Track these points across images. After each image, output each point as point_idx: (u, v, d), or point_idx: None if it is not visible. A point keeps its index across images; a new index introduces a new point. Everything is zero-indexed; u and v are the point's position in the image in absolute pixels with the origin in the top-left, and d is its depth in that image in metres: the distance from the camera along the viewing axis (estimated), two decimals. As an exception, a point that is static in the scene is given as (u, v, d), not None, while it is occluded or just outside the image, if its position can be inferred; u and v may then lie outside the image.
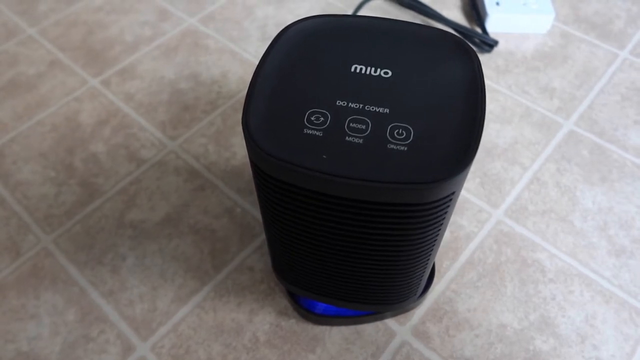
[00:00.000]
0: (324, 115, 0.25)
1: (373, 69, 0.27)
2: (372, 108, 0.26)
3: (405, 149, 0.24)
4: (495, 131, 0.51)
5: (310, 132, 0.24)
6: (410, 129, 0.25)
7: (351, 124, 0.25)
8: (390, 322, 0.40)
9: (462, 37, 0.29)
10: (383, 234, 0.27)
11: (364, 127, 0.25)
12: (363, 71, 0.27)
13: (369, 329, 0.40)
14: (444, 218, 0.27)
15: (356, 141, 0.24)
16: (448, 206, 0.26)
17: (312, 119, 0.25)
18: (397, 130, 0.25)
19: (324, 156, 0.24)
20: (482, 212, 0.46)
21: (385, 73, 0.27)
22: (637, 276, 0.42)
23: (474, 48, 0.58)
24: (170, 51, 0.59)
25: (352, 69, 0.27)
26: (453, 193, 0.25)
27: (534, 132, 0.51)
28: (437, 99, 0.26)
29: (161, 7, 0.64)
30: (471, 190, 0.47)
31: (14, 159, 0.50)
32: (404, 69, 0.27)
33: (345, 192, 0.24)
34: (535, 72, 0.56)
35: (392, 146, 0.24)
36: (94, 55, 0.59)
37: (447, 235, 0.44)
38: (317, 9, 0.63)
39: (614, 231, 0.44)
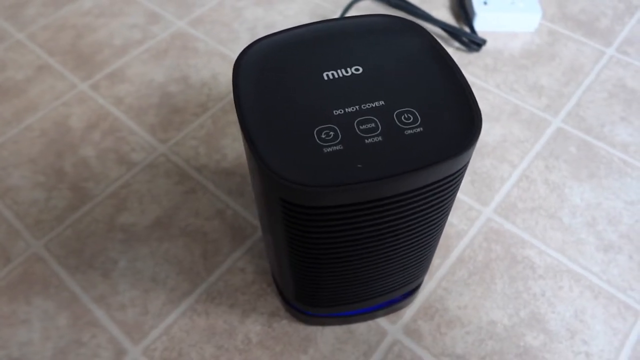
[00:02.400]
0: (331, 129, 0.25)
1: (343, 70, 0.27)
2: (369, 105, 0.26)
3: (422, 129, 0.25)
4: (484, 130, 0.52)
5: (330, 149, 0.24)
6: (414, 111, 0.25)
7: (361, 127, 0.25)
8: (382, 321, 0.40)
9: (401, 17, 0.30)
10: (421, 215, 0.27)
11: (373, 125, 0.25)
12: (336, 75, 0.27)
13: (361, 328, 0.40)
14: (462, 180, 0.28)
15: (376, 140, 0.25)
16: (468, 163, 0.27)
17: (323, 136, 0.25)
18: (403, 116, 0.25)
19: (359, 165, 0.24)
20: (472, 210, 0.46)
21: (357, 70, 0.27)
22: (625, 271, 0.42)
23: (463, 47, 0.59)
24: (159, 54, 0.59)
25: (325, 77, 0.27)
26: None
27: (522, 130, 0.52)
28: (414, 76, 0.27)
29: (150, 10, 0.64)
30: (461, 188, 0.47)
31: (4, 164, 0.50)
32: (369, 61, 0.27)
33: (394, 189, 0.24)
34: (524, 70, 0.57)
35: (409, 132, 0.25)
36: (83, 59, 0.59)
37: (438, 234, 0.45)
38: (306, 10, 0.63)
39: (602, 227, 0.45)
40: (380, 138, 0.25)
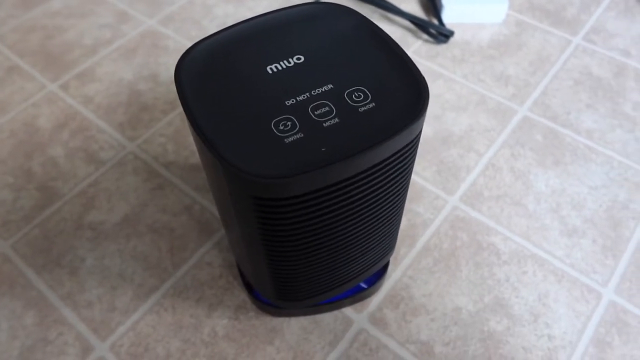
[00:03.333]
0: (287, 119, 0.25)
1: (286, 61, 0.27)
2: (318, 90, 0.26)
3: (374, 104, 0.26)
4: (451, 119, 0.52)
5: (291, 139, 0.25)
6: (363, 88, 0.26)
7: (316, 112, 0.25)
8: (348, 311, 0.40)
9: (332, 2, 0.30)
10: (387, 185, 0.28)
11: (327, 108, 0.26)
12: (279, 67, 0.27)
13: (327, 318, 0.40)
14: (418, 144, 0.29)
15: (334, 122, 0.25)
16: (421, 133, 0.28)
17: (281, 127, 0.25)
18: (354, 95, 0.26)
19: (323, 149, 0.24)
20: (438, 199, 0.46)
21: (298, 59, 0.27)
22: (588, 254, 0.43)
23: (431, 39, 0.59)
24: (129, 53, 0.59)
25: (269, 70, 0.27)
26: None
27: (489, 119, 0.52)
28: (356, 57, 0.27)
29: (120, 10, 0.64)
30: (428, 178, 0.48)
31: (-29, 166, 0.50)
32: (309, 48, 0.28)
33: (361, 165, 0.25)
34: (491, 60, 0.57)
35: (363, 109, 0.26)
36: (52, 59, 0.59)
37: (404, 223, 0.45)
38: (275, 6, 0.63)
39: (566, 212, 0.45)
40: (337, 119, 0.25)
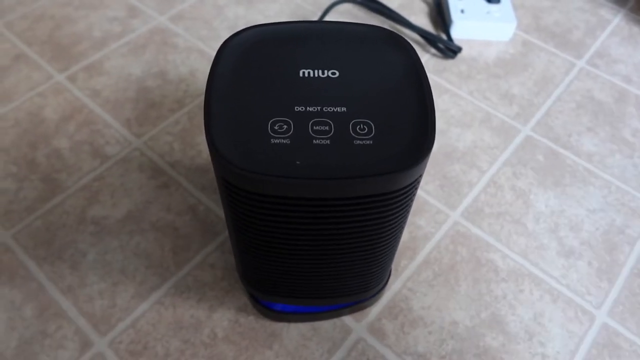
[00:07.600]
0: (286, 122, 0.26)
1: (320, 71, 0.28)
2: (330, 109, 0.27)
3: (371, 142, 0.25)
4: (455, 135, 0.53)
5: (277, 141, 0.25)
6: (371, 123, 0.26)
7: (315, 127, 0.26)
8: (347, 319, 0.41)
9: (393, 31, 0.30)
10: (362, 225, 0.28)
11: (327, 128, 0.26)
12: (311, 75, 0.28)
13: (326, 326, 0.41)
14: (412, 200, 0.28)
15: (324, 143, 0.25)
16: (415, 188, 0.27)
17: (276, 127, 0.26)
18: (359, 126, 0.26)
19: (298, 162, 0.24)
20: (440, 213, 0.47)
21: (333, 74, 0.28)
22: (584, 276, 0.44)
23: (439, 54, 0.60)
24: (138, 48, 0.59)
25: (301, 74, 0.28)
26: (420, 176, 0.27)
27: (492, 137, 0.53)
28: (386, 91, 0.27)
29: (131, 4, 0.64)
30: (430, 192, 0.48)
31: (-25, 153, 0.49)
32: (348, 67, 0.28)
33: (326, 193, 0.25)
34: (496, 78, 0.58)
35: (358, 142, 0.25)
36: (60, 50, 0.58)
37: (406, 235, 0.46)
38: (286, 11, 0.64)
39: (564, 233, 0.46)
40: (328, 142, 0.25)
